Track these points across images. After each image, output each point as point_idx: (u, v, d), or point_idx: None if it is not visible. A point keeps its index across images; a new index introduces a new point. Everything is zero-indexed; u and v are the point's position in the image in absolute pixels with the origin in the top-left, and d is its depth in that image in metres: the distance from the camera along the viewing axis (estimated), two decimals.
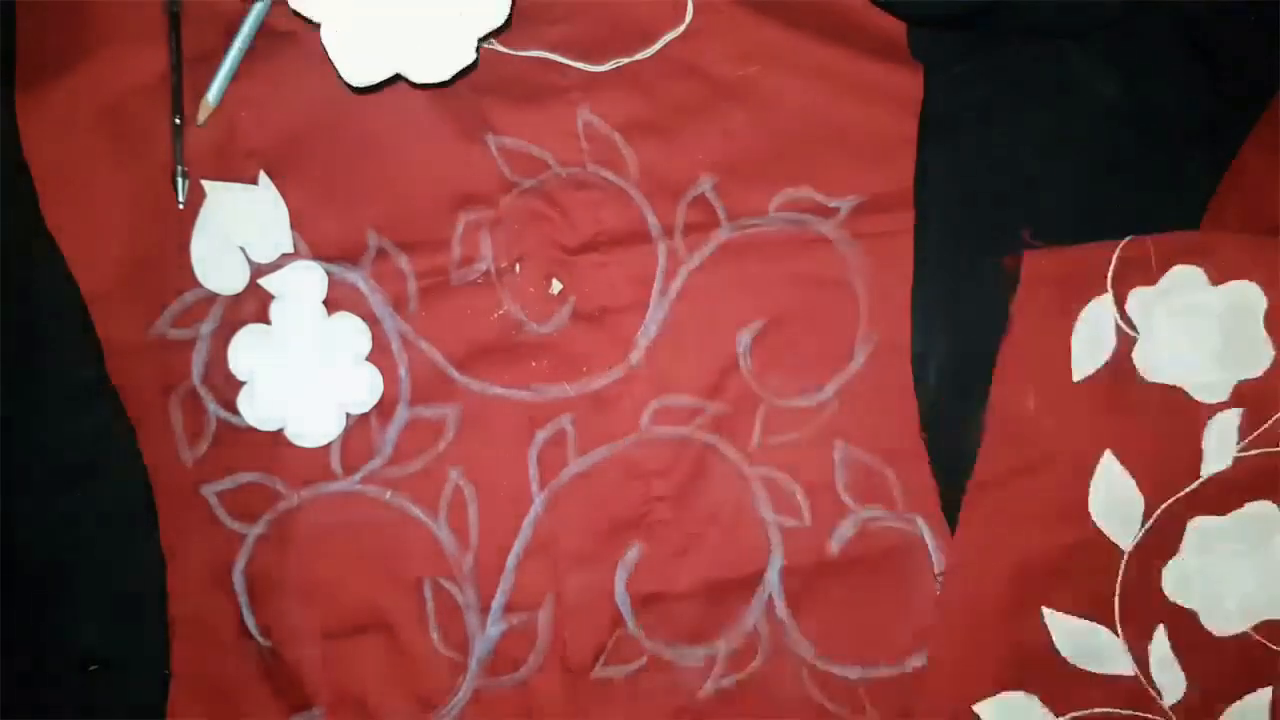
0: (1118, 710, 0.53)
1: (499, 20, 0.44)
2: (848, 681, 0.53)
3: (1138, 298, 0.52)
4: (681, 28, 0.53)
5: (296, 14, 0.46)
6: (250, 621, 0.53)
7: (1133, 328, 0.52)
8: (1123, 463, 0.52)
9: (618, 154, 0.53)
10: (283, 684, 0.52)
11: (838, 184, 0.53)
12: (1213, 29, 0.54)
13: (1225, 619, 0.53)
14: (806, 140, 0.53)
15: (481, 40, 0.45)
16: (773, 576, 0.53)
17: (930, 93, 0.53)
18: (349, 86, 0.47)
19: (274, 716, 0.52)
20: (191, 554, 0.53)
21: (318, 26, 0.48)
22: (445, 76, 0.45)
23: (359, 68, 0.46)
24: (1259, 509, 0.53)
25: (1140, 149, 0.54)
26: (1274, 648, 0.53)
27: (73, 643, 0.53)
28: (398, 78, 0.46)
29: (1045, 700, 0.53)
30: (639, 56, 0.53)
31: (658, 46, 0.53)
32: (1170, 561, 0.53)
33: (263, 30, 0.52)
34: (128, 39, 0.52)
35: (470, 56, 0.45)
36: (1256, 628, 0.53)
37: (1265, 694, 0.53)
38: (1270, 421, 0.52)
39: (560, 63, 0.53)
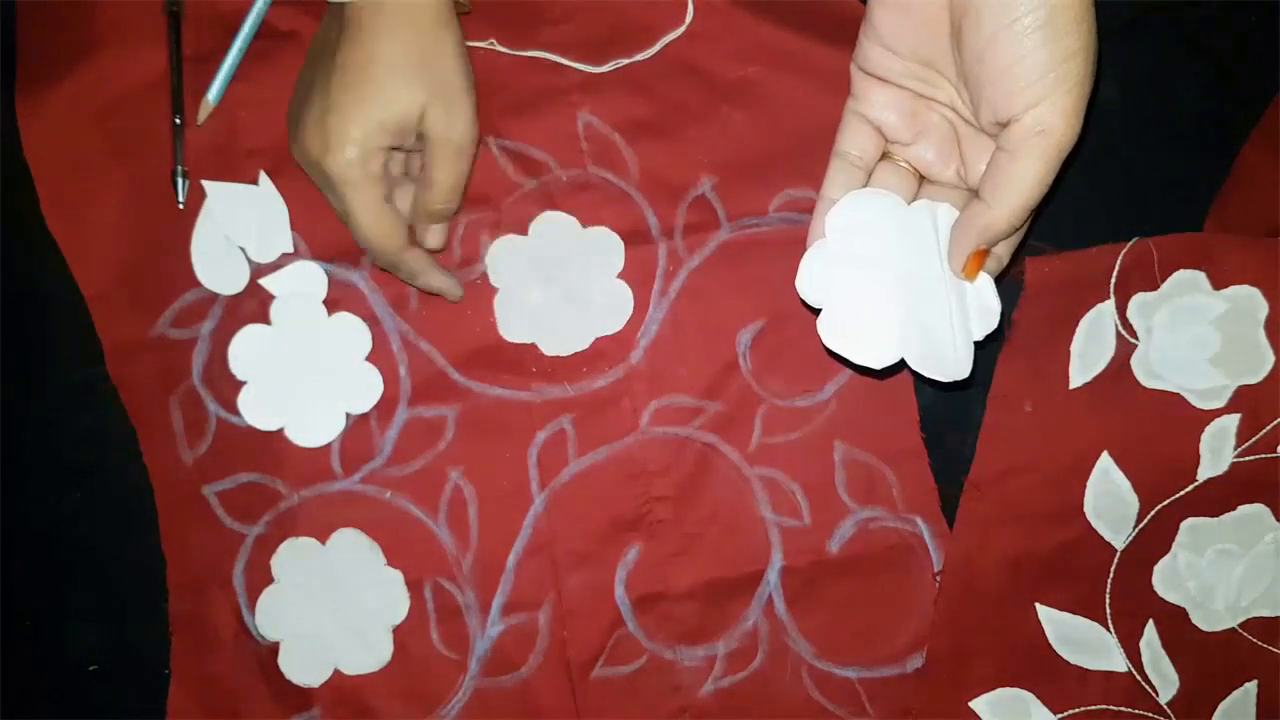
0: (1115, 707, 0.53)
1: (990, 328, 0.45)
2: (848, 681, 0.53)
3: (1139, 303, 0.52)
4: (682, 28, 0.53)
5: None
6: (250, 621, 0.53)
7: (1133, 334, 0.52)
8: (1119, 465, 0.53)
9: (618, 155, 0.53)
10: (282, 684, 0.52)
11: None
12: (1213, 29, 0.54)
13: (1214, 616, 0.53)
14: (806, 140, 0.53)
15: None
16: (772, 576, 0.53)
17: None
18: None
19: (273, 717, 0.53)
20: (191, 554, 0.53)
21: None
22: (942, 379, 0.45)
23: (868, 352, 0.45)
24: (1251, 510, 0.53)
25: (1142, 150, 0.54)
26: (1260, 644, 0.53)
27: (73, 643, 0.53)
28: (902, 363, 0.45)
29: (1042, 697, 0.53)
30: (639, 57, 0.53)
31: (658, 47, 0.53)
32: (1161, 560, 0.53)
33: (263, 30, 0.52)
34: (128, 39, 0.52)
35: (965, 371, 0.45)
36: (1244, 625, 0.53)
37: (1251, 688, 0.54)
38: (1268, 428, 0.52)
39: (560, 63, 0.53)
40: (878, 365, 0.45)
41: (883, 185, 0.46)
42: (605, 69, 0.53)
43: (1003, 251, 0.45)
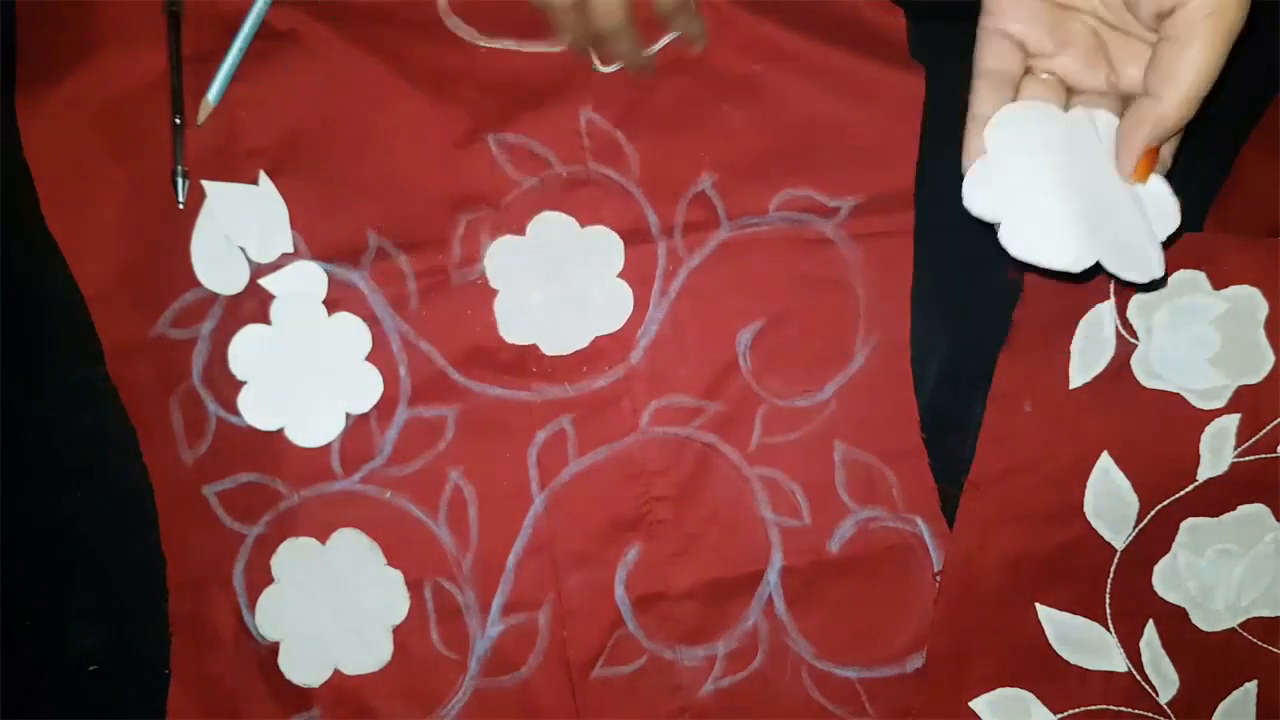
0: (1115, 707, 0.53)
1: (1172, 228, 0.44)
2: (848, 681, 0.53)
3: (1139, 303, 0.52)
4: None
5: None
6: (250, 621, 0.53)
7: (1133, 334, 0.52)
8: (1119, 465, 0.53)
9: (619, 152, 0.53)
10: (282, 684, 0.52)
11: (838, 184, 0.53)
12: None
13: (1214, 616, 0.53)
14: (806, 140, 0.53)
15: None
16: (772, 576, 0.53)
17: (931, 93, 0.53)
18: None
19: (273, 717, 0.53)
20: (191, 554, 0.53)
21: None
22: (1139, 280, 0.44)
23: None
24: (1251, 510, 0.53)
25: None
26: (1260, 644, 0.53)
27: (73, 643, 0.53)
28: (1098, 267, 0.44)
29: (1042, 697, 0.53)
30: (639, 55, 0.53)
31: (658, 46, 0.53)
32: (1161, 560, 0.53)
33: (263, 30, 0.52)
34: (128, 39, 0.52)
35: (1160, 270, 0.44)
36: (1244, 625, 0.53)
37: (1251, 688, 0.54)
38: (1269, 428, 0.52)
39: (561, 61, 0.53)
40: (1076, 268, 0.44)
41: (1031, 98, 0.45)
42: (606, 69, 0.53)
43: (1166, 153, 0.44)
